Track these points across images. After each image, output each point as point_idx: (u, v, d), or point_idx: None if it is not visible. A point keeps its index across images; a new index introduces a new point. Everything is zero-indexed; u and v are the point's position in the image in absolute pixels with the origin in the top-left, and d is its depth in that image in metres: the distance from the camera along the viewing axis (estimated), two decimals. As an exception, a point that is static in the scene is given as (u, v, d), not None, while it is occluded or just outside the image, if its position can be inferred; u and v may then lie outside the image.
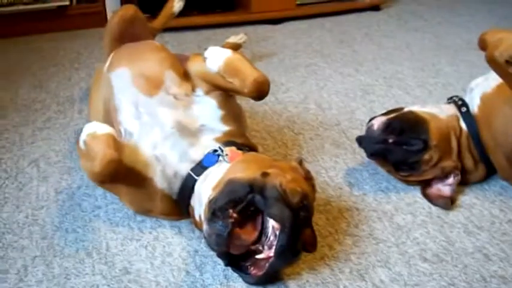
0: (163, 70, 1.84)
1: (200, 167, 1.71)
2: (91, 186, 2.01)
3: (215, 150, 1.72)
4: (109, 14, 3.62)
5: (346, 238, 1.79)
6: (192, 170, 1.71)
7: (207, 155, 1.72)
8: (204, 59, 1.78)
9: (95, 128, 1.70)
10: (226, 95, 1.82)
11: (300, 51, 3.36)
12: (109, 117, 1.84)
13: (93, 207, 1.93)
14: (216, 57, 1.76)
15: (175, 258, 1.71)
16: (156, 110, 1.77)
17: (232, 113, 1.85)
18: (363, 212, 1.91)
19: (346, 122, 2.48)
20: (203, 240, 1.75)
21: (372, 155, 1.99)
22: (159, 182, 1.73)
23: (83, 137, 1.71)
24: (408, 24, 4.00)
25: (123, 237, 1.79)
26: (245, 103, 2.55)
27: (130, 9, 2.23)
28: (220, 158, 1.71)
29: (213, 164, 1.70)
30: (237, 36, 3.06)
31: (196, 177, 1.70)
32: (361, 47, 3.46)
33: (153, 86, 1.81)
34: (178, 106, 1.78)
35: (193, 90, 1.81)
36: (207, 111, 1.80)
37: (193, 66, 1.84)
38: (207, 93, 1.81)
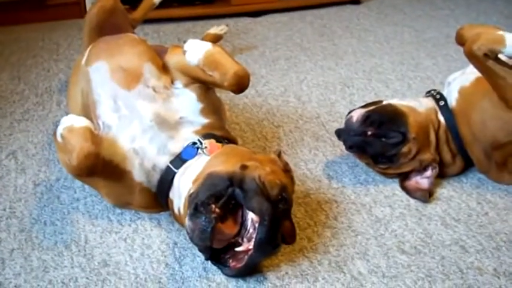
0: (142, 63, 1.83)
1: (179, 160, 1.71)
2: (69, 178, 2.01)
3: (194, 143, 1.73)
4: (88, 5, 3.58)
5: (325, 230, 1.80)
6: (171, 162, 1.71)
7: (186, 148, 1.73)
8: (184, 52, 1.77)
9: (72, 121, 1.70)
10: (205, 87, 1.82)
11: (280, 44, 3.36)
12: (87, 110, 1.82)
13: (72, 200, 1.92)
14: (195, 50, 1.75)
15: (154, 251, 1.71)
16: (134, 103, 1.76)
17: (211, 105, 1.85)
18: (342, 205, 1.92)
19: (325, 115, 2.49)
20: (182, 233, 1.75)
21: (350, 147, 2.00)
22: (138, 175, 1.73)
23: (60, 130, 1.70)
24: (388, 18, 4.01)
25: (102, 230, 1.79)
26: (224, 96, 2.55)
27: (110, 0, 2.22)
28: (200, 150, 1.71)
29: (192, 156, 1.71)
30: (218, 27, 3.06)
31: (175, 170, 1.70)
32: (342, 40, 3.47)
33: (131, 79, 1.80)
34: (158, 99, 1.77)
35: (172, 82, 1.81)
36: (186, 103, 1.79)
37: (172, 59, 1.83)
38: (186, 85, 1.80)
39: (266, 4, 3.93)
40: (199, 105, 1.81)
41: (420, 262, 1.69)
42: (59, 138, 1.71)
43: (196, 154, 1.72)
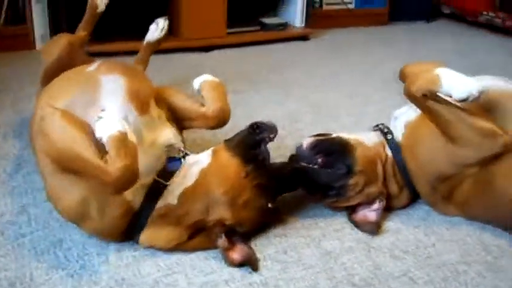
0: (150, 97, 1.90)
1: (167, 173, 1.80)
2: (15, 213, 1.96)
3: (171, 158, 1.83)
4: (37, 36, 3.55)
5: (275, 264, 1.79)
6: (159, 177, 1.79)
7: (170, 162, 1.83)
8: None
9: (119, 127, 1.64)
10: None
11: (230, 79, 3.36)
12: (74, 108, 1.76)
13: (17, 235, 1.87)
14: (204, 77, 2.02)
15: (102, 287, 1.67)
16: (141, 128, 1.80)
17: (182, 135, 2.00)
18: (291, 238, 1.92)
19: (274, 149, 2.48)
20: (131, 268, 1.73)
21: (300, 182, 1.99)
22: (128, 194, 1.72)
23: (107, 132, 1.62)
24: (336, 53, 4.09)
25: (48, 266, 1.74)
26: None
27: (66, 45, 2.25)
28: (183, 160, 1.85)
29: (178, 167, 1.82)
30: (156, 27, 2.78)
31: (166, 183, 1.78)
32: (290, 75, 3.51)
33: (142, 106, 1.84)
34: (155, 128, 1.84)
35: (160, 115, 1.91)
36: (173, 134, 1.90)
37: (163, 94, 1.99)
38: (168, 120, 1.93)
39: (216, 39, 3.97)
40: (179, 137, 1.95)
41: (369, 295, 1.70)
42: (99, 136, 1.63)
43: (180, 166, 1.83)
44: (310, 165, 1.98)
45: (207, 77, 2.01)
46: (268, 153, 1.87)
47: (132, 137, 1.66)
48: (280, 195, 1.92)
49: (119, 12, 3.83)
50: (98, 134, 1.62)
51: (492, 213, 1.96)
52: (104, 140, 1.60)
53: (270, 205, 1.84)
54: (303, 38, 4.40)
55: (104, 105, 1.78)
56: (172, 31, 3.86)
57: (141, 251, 1.81)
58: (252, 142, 1.84)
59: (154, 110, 1.89)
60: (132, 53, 3.55)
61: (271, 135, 1.86)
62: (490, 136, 1.83)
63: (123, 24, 3.90)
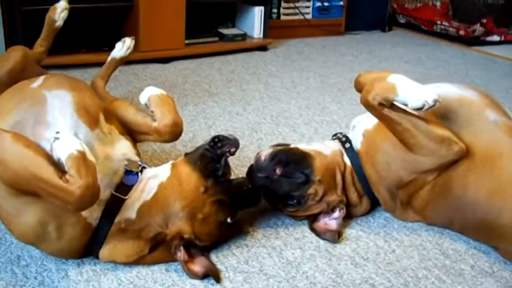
0: (99, 111, 1.86)
1: (124, 187, 1.78)
2: (-31, 231, 1.92)
3: (129, 171, 1.81)
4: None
5: (237, 275, 1.79)
6: (116, 191, 1.76)
7: (127, 176, 1.80)
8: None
9: (78, 147, 1.61)
10: (132, 141, 1.95)
11: (188, 90, 3.37)
12: (20, 128, 1.72)
13: (-28, 254, 1.83)
14: (150, 91, 1.97)
15: (61, 304, 1.65)
16: (93, 143, 1.75)
17: (137, 149, 1.97)
18: (253, 249, 1.92)
19: (234, 159, 2.49)
20: (91, 283, 1.71)
21: (260, 185, 1.99)
22: (84, 212, 1.69)
23: (65, 152, 1.59)
24: (294, 64, 4.11)
25: (6, 284, 1.70)
26: (133, 142, 2.52)
27: (20, 58, 2.21)
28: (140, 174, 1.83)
29: (135, 181, 1.80)
30: (123, 45, 2.68)
31: (124, 197, 1.76)
32: (249, 86, 3.52)
33: (92, 121, 1.80)
34: (107, 143, 1.81)
35: (111, 130, 1.87)
36: (127, 148, 1.88)
37: (114, 108, 1.97)
38: (121, 133, 1.90)
39: (174, 51, 3.96)
40: (134, 150, 1.91)
41: (331, 302, 1.70)
42: (57, 157, 1.60)
43: (137, 179, 1.81)
44: (269, 177, 1.98)
45: (152, 91, 1.98)
46: (228, 168, 1.86)
47: (91, 156, 1.63)
48: (240, 210, 1.91)
49: (76, 24, 3.80)
50: (55, 155, 1.59)
51: (450, 217, 1.99)
52: (63, 160, 1.57)
53: (229, 220, 1.84)
54: (261, 48, 4.42)
55: (52, 122, 1.74)
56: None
57: (102, 265, 1.79)
58: (213, 156, 1.83)
59: (105, 125, 1.86)
60: (90, 65, 3.54)
61: (232, 149, 1.85)
62: (446, 144, 1.87)
63: (80, 37, 3.86)
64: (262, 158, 2.01)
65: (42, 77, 1.97)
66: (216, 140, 1.85)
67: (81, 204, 1.55)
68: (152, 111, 1.93)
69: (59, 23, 2.60)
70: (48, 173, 1.54)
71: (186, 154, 1.90)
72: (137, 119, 1.95)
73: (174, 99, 1.99)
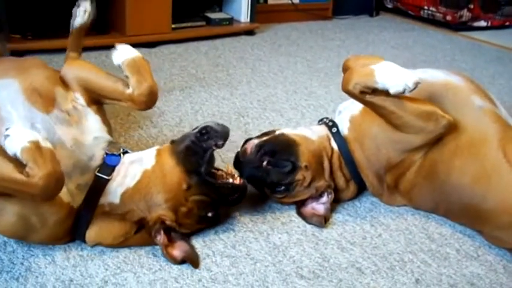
0: (53, 87, 1.79)
1: (107, 167, 1.77)
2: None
3: (110, 154, 1.80)
4: None
5: (224, 259, 1.79)
6: (99, 172, 1.76)
7: (108, 156, 1.79)
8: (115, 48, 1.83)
9: (32, 138, 1.58)
10: (102, 110, 1.86)
11: (175, 74, 3.36)
12: None
13: (-42, 239, 1.82)
14: (124, 52, 1.83)
15: (48, 289, 1.64)
16: (54, 128, 1.72)
17: (111, 127, 1.91)
18: (240, 233, 1.93)
19: (222, 144, 2.49)
20: (78, 269, 1.71)
21: (248, 178, 2.00)
22: (65, 197, 1.69)
23: (18, 145, 1.55)
24: (281, 48, 4.10)
25: (-8, 270, 1.70)
26: (119, 127, 2.52)
27: None
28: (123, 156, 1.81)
29: (117, 162, 1.79)
30: (78, 10, 2.39)
31: (107, 178, 1.75)
32: (236, 70, 3.51)
33: (47, 103, 1.75)
34: (72, 123, 1.76)
35: (73, 100, 1.80)
36: (96, 125, 1.82)
37: (72, 71, 1.83)
38: (88, 104, 1.81)
39: (161, 35, 3.93)
40: (105, 127, 1.85)
41: (318, 286, 1.71)
42: (12, 153, 1.56)
43: (119, 160, 1.79)
44: (258, 169, 1.98)
45: (127, 53, 1.83)
46: (212, 162, 1.83)
47: (45, 142, 1.59)
48: (223, 205, 1.91)
49: (62, 8, 3.76)
50: (10, 152, 1.55)
51: (436, 201, 2.01)
52: (18, 154, 1.54)
53: (210, 214, 1.83)
54: (249, 33, 4.40)
55: (7, 117, 1.70)
56: (116, 27, 3.82)
57: (88, 251, 1.78)
58: (197, 150, 1.80)
59: (65, 100, 1.78)
60: (83, 49, 3.51)
61: (219, 142, 1.81)
62: (433, 119, 1.88)
63: (65, 21, 3.82)
64: (248, 150, 2.00)
65: None
66: (204, 131, 1.82)
67: (47, 193, 1.55)
68: (127, 77, 1.80)
69: None
70: (7, 170, 1.52)
71: (173, 142, 1.88)
72: (106, 84, 1.82)
73: (150, 64, 1.88)
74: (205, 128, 1.83)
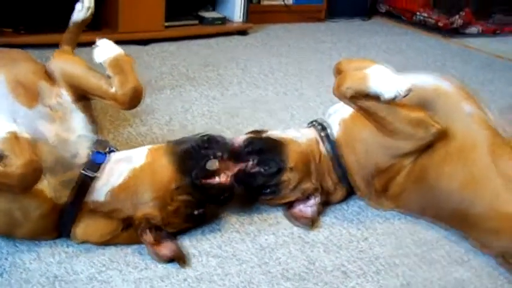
0: (37, 80, 1.77)
1: (94, 164, 1.76)
2: None
3: (97, 151, 1.78)
4: None
5: (210, 260, 1.79)
6: (85, 170, 1.74)
7: (95, 154, 1.77)
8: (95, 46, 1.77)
9: (9, 129, 1.59)
10: (90, 108, 1.84)
11: (166, 73, 3.35)
12: None
13: None
14: (106, 50, 1.78)
15: (33, 285, 1.63)
16: (36, 123, 1.70)
17: (97, 125, 1.87)
18: (226, 234, 1.92)
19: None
20: (63, 265, 1.70)
21: (236, 182, 1.98)
22: (49, 192, 1.68)
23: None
24: (273, 49, 4.10)
25: (-24, 265, 1.69)
26: (109, 124, 2.52)
27: None
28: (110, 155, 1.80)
29: (103, 160, 1.77)
30: (82, 6, 2.42)
31: (95, 174, 1.74)
32: (227, 70, 3.51)
33: (30, 97, 1.73)
34: (55, 119, 1.74)
35: (58, 95, 1.77)
36: (81, 124, 1.79)
37: (58, 64, 1.81)
38: (74, 101, 1.78)
39: (153, 33, 3.92)
40: (90, 126, 1.82)
41: (304, 289, 1.71)
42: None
43: (105, 158, 1.77)
44: (245, 172, 1.97)
45: (109, 51, 1.77)
46: (205, 169, 1.82)
47: (22, 133, 1.60)
48: (210, 204, 1.90)
49: (56, 4, 3.75)
50: None
51: (424, 205, 2.02)
52: None
53: (196, 212, 1.83)
54: (242, 33, 4.40)
55: None
56: (109, 24, 3.81)
57: (74, 247, 1.78)
58: (196, 156, 1.80)
59: (49, 95, 1.76)
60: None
61: (219, 154, 1.81)
62: (423, 126, 1.88)
63: (58, 16, 3.81)
64: (236, 144, 2.00)
65: None
66: (206, 138, 1.82)
67: (24, 182, 1.55)
68: (109, 76, 1.75)
69: None
70: None
71: (170, 143, 1.87)
72: (91, 82, 1.77)
73: (132, 60, 1.83)
74: (208, 136, 1.83)
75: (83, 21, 2.43)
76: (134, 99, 1.77)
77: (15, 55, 1.91)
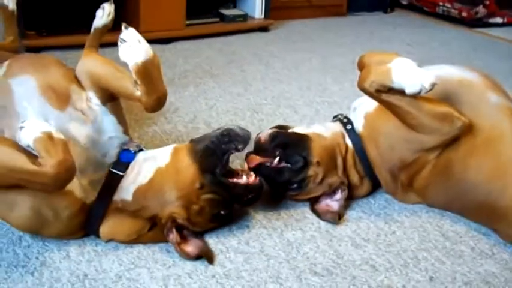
0: (69, 85, 1.80)
1: (122, 164, 1.80)
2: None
3: (125, 150, 1.83)
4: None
5: (237, 256, 1.80)
6: (113, 168, 1.79)
7: (122, 153, 1.82)
8: (121, 41, 1.69)
9: (46, 129, 1.60)
10: (119, 108, 1.86)
11: (189, 71, 3.36)
12: None
13: (-26, 234, 1.84)
14: (137, 52, 1.66)
15: (63, 284, 1.64)
16: (67, 126, 1.73)
17: (127, 125, 1.90)
18: (253, 229, 1.93)
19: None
20: (93, 264, 1.72)
21: (262, 176, 1.97)
22: (79, 193, 1.71)
23: (31, 136, 1.57)
24: (296, 44, 4.10)
25: (8, 264, 1.71)
26: (134, 122, 2.53)
27: None
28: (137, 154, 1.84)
29: (131, 159, 1.81)
30: (103, 12, 2.47)
31: (121, 174, 1.78)
32: (250, 67, 3.51)
33: (62, 100, 1.77)
34: (87, 122, 1.77)
35: (88, 100, 1.79)
36: (111, 126, 1.82)
37: (86, 66, 1.81)
38: (103, 103, 1.80)
39: (175, 31, 3.94)
40: (121, 128, 1.85)
41: (332, 283, 1.71)
42: (26, 144, 1.58)
43: (134, 157, 1.82)
44: (269, 166, 1.98)
45: (136, 56, 1.66)
46: (227, 164, 1.83)
47: (58, 134, 1.61)
48: (237, 204, 1.90)
49: (77, 5, 3.78)
50: (24, 143, 1.57)
51: (451, 198, 2.00)
52: (31, 145, 1.56)
53: (223, 212, 1.83)
54: (263, 29, 4.40)
55: (22, 113, 1.73)
56: (130, 23, 3.81)
57: (103, 246, 1.79)
58: (216, 151, 1.80)
59: (79, 98, 1.79)
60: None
61: (240, 146, 1.81)
62: (448, 120, 1.86)
63: (80, 17, 3.84)
64: (262, 139, 2.01)
65: (5, 64, 1.91)
66: (225, 133, 1.82)
67: (57, 182, 1.56)
68: (136, 82, 1.69)
69: (11, 6, 2.45)
70: (20, 161, 1.54)
71: (192, 141, 1.88)
72: (118, 84, 1.75)
73: (160, 61, 1.73)
74: (227, 130, 1.83)
75: (104, 26, 2.47)
76: (158, 106, 1.75)
77: (46, 60, 1.93)
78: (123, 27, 1.71)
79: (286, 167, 1.98)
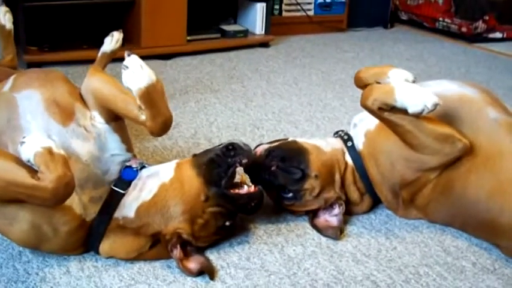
0: (74, 101, 1.80)
1: (123, 182, 1.79)
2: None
3: (128, 167, 1.82)
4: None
5: (238, 271, 1.79)
6: (115, 186, 1.78)
7: (124, 170, 1.81)
8: (124, 68, 1.70)
9: (45, 144, 1.60)
10: (123, 127, 1.85)
11: (190, 86, 3.37)
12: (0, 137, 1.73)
13: (-26, 250, 1.83)
14: (140, 77, 1.67)
15: (62, 300, 1.65)
16: (70, 141, 1.73)
17: (130, 143, 1.90)
18: (254, 245, 1.92)
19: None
20: (93, 279, 1.71)
21: (257, 181, 1.98)
22: (78, 209, 1.70)
23: (31, 151, 1.57)
24: (296, 60, 4.11)
25: (8, 280, 1.70)
26: (134, 138, 2.53)
27: None
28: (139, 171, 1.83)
29: (134, 177, 1.80)
30: (111, 39, 2.63)
31: (122, 192, 1.77)
32: (251, 82, 3.52)
33: (66, 116, 1.76)
34: (90, 138, 1.76)
35: (91, 118, 1.78)
36: (114, 144, 1.81)
37: (91, 85, 1.80)
38: (107, 122, 1.79)
39: (176, 47, 3.96)
40: (124, 146, 1.84)
41: (333, 299, 1.71)
42: (26, 158, 1.58)
43: (136, 175, 1.81)
44: (266, 172, 1.99)
45: (140, 81, 1.67)
46: (234, 177, 1.84)
47: (58, 149, 1.61)
48: (240, 214, 1.90)
49: (78, 20, 3.80)
50: (24, 158, 1.57)
51: (452, 215, 2.00)
52: (31, 160, 1.56)
53: (227, 223, 1.83)
54: (263, 45, 4.42)
55: (26, 126, 1.72)
56: (132, 39, 3.84)
57: (103, 261, 1.79)
58: (221, 164, 1.80)
59: (83, 115, 1.78)
60: (92, 61, 3.52)
61: (244, 161, 1.82)
62: (449, 141, 1.86)
63: (81, 33, 3.86)
64: (258, 153, 2.01)
65: (11, 78, 1.92)
66: (230, 147, 1.83)
67: (56, 196, 1.55)
68: (140, 107, 1.69)
69: (8, 25, 2.50)
70: (20, 176, 1.54)
71: (195, 156, 1.89)
72: (122, 106, 1.74)
73: (163, 85, 1.74)
74: (232, 144, 1.83)
75: (112, 52, 2.58)
76: (163, 130, 1.75)
77: (53, 76, 1.93)
78: (125, 54, 1.72)
79: (283, 173, 1.98)
